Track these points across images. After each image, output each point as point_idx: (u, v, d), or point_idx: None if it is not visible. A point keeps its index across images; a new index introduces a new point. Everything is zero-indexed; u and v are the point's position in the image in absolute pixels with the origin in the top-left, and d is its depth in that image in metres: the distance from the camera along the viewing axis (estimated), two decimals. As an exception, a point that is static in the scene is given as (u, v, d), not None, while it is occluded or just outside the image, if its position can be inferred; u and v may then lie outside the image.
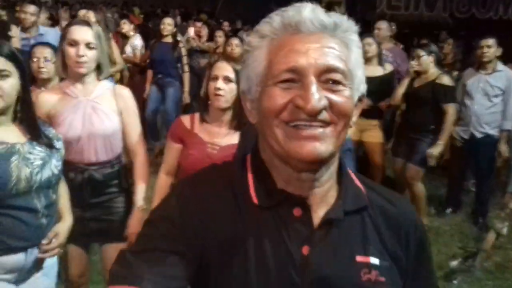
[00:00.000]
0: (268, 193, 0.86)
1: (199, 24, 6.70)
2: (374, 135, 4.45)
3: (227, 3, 14.76)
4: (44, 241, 1.82)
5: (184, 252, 0.82)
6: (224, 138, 2.19)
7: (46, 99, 2.21)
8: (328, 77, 0.80)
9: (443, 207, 4.69)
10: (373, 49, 4.32)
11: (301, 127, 0.80)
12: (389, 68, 4.52)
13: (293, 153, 0.80)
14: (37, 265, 1.85)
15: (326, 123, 0.80)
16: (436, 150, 4.04)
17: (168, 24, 5.64)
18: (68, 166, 2.15)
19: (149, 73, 5.78)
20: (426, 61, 4.10)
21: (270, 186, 0.87)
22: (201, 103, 2.27)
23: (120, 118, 2.28)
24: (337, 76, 0.80)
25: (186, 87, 5.69)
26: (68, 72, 2.22)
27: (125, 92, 2.34)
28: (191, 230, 0.84)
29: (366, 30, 5.27)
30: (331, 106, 0.80)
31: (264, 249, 0.83)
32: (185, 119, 2.29)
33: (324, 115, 0.79)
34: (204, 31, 6.54)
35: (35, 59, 2.94)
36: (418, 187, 4.20)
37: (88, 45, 2.15)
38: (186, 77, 5.71)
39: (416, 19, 10.32)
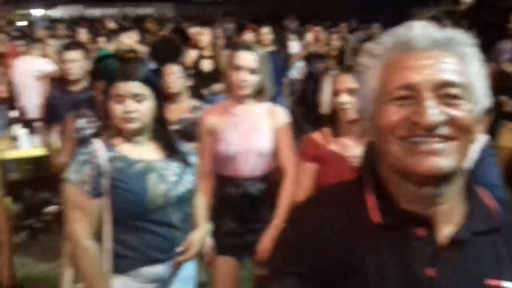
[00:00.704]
0: (390, 212, 0.84)
1: (317, 28, 6.64)
2: None
3: (340, 4, 14.55)
4: (179, 250, 1.86)
5: (305, 274, 0.84)
6: (360, 149, 2.10)
7: (210, 116, 2.43)
8: (445, 92, 0.78)
9: None
10: None
11: (418, 143, 0.78)
12: None
13: (412, 169, 0.79)
14: (176, 276, 1.91)
15: (446, 138, 0.78)
16: None
17: (266, 33, 5.63)
18: (226, 181, 2.35)
19: None
20: None
21: (392, 204, 0.85)
22: (327, 119, 2.19)
23: (275, 136, 2.38)
24: (454, 90, 0.78)
25: (285, 92, 5.66)
26: (231, 93, 2.39)
27: (281, 112, 2.44)
28: (308, 252, 0.86)
29: (498, 22, 4.79)
30: (451, 121, 0.78)
31: (386, 270, 0.81)
32: (316, 136, 2.23)
33: (443, 130, 0.77)
34: (322, 35, 6.46)
35: (165, 76, 3.13)
36: None
37: (251, 71, 2.30)
38: (286, 83, 5.68)
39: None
